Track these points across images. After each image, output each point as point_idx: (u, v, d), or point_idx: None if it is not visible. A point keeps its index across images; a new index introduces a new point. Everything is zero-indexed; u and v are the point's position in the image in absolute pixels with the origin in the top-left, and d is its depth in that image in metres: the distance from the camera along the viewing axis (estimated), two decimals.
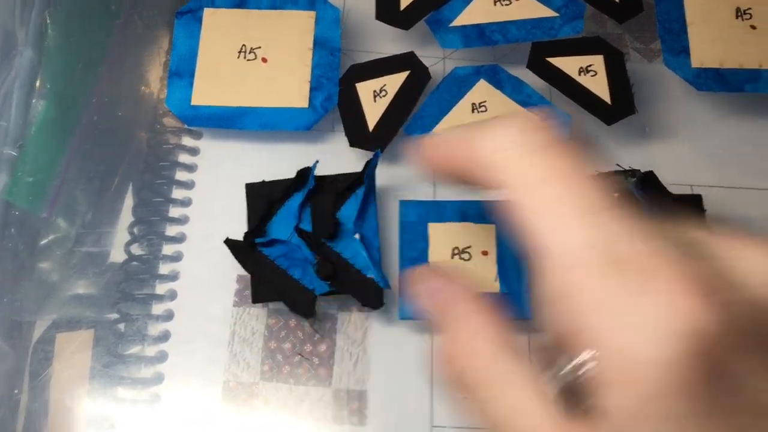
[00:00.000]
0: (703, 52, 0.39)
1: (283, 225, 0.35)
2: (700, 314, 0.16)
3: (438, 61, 0.41)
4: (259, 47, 0.39)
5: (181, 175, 0.37)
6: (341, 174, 0.36)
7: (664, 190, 0.35)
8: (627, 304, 0.17)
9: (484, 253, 0.35)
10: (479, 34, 0.39)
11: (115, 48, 0.41)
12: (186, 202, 0.37)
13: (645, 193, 0.35)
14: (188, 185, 0.37)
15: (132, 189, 0.37)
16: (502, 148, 0.20)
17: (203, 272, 0.35)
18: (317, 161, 0.36)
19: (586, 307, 0.17)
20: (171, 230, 0.36)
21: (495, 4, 0.40)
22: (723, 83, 0.39)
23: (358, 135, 0.38)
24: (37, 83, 0.38)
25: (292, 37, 0.39)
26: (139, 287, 0.35)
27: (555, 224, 0.18)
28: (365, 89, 0.38)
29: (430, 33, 0.40)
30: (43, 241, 0.37)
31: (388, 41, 0.41)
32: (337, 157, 0.38)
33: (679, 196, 0.35)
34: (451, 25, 0.40)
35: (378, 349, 0.34)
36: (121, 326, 0.34)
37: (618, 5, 0.40)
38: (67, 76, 0.39)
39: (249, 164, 0.38)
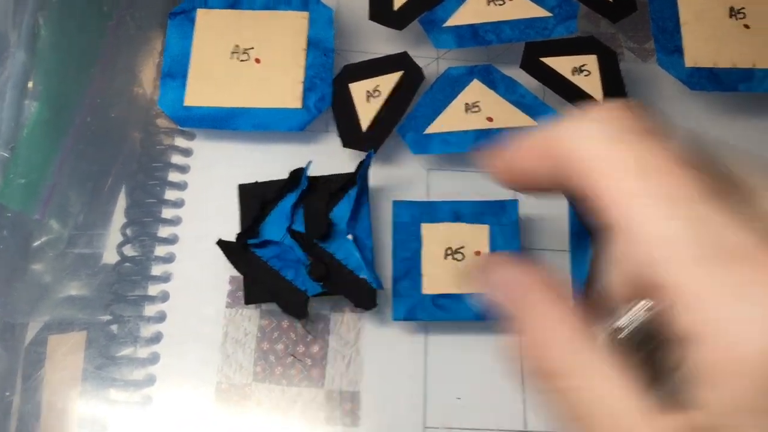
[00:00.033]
0: (697, 52, 0.39)
1: (276, 226, 0.35)
2: None
3: (432, 61, 0.41)
4: (252, 48, 0.39)
5: (173, 176, 0.37)
6: (334, 174, 0.36)
7: None
8: (736, 295, 0.16)
9: (477, 253, 0.35)
10: (473, 34, 0.39)
11: (107, 49, 0.41)
12: (179, 203, 0.37)
13: None
14: (181, 186, 0.37)
15: (125, 190, 0.37)
16: (587, 137, 0.18)
17: (196, 273, 0.35)
18: (310, 162, 0.36)
19: (691, 301, 0.17)
20: (163, 231, 0.36)
21: (488, 4, 0.40)
22: (716, 83, 0.39)
23: (351, 135, 0.38)
24: (30, 85, 0.38)
25: (285, 38, 0.39)
26: (132, 289, 0.35)
27: (653, 215, 0.17)
28: (358, 89, 0.38)
29: (424, 33, 0.40)
30: (36, 243, 0.37)
31: (381, 41, 0.41)
32: (330, 157, 0.38)
33: None
34: (444, 25, 0.40)
35: (371, 350, 0.34)
36: (114, 328, 0.34)
37: (611, 5, 0.40)
38: (60, 77, 0.39)
39: (242, 165, 0.38)
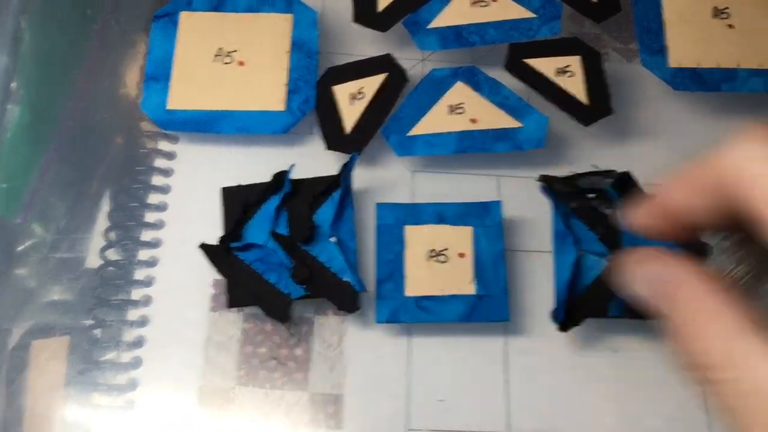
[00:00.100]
0: (681, 52, 0.39)
1: (259, 229, 0.35)
2: None
3: (417, 63, 0.41)
4: (236, 50, 0.39)
5: (157, 180, 0.37)
6: (318, 177, 0.36)
7: (640, 190, 0.35)
8: None
9: (461, 255, 0.35)
10: (457, 36, 0.39)
11: (91, 53, 0.40)
12: (162, 207, 0.37)
13: (621, 193, 0.35)
14: (164, 190, 0.37)
15: (109, 194, 0.37)
16: (757, 158, 0.17)
17: (179, 277, 0.35)
18: (293, 165, 0.35)
19: None
20: (146, 235, 0.36)
21: (472, 6, 0.40)
22: (700, 82, 0.39)
23: (335, 138, 0.37)
24: (12, 88, 0.37)
25: (269, 40, 0.39)
26: (115, 293, 0.35)
27: None
28: (342, 92, 0.38)
29: (409, 35, 0.40)
30: (20, 248, 0.37)
31: (366, 43, 0.41)
32: (315, 160, 0.38)
33: None
34: (428, 26, 0.40)
35: (354, 352, 0.34)
36: (96, 332, 0.34)
37: (595, 5, 0.40)
38: (43, 81, 0.39)
39: (226, 168, 0.37)
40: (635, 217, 0.21)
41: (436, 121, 0.38)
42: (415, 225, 0.36)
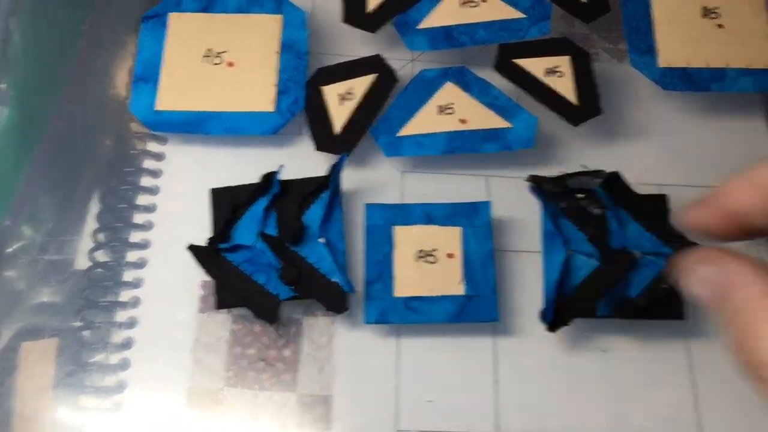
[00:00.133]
0: (670, 52, 0.39)
1: (248, 230, 0.35)
2: None
3: (407, 63, 0.41)
4: (225, 51, 0.39)
5: (146, 181, 0.37)
6: (306, 178, 0.36)
7: (629, 190, 0.35)
8: None
9: (450, 255, 0.35)
10: (446, 36, 0.39)
11: (81, 54, 0.40)
12: (151, 208, 0.37)
13: (610, 193, 0.35)
14: (153, 191, 0.37)
15: (98, 195, 0.37)
16: None
17: (167, 278, 0.35)
18: (282, 166, 0.35)
19: None
20: (135, 236, 0.36)
21: (462, 6, 0.40)
22: (689, 82, 0.39)
23: (324, 138, 0.37)
24: (1, 89, 0.37)
25: (258, 41, 0.39)
26: (103, 294, 0.35)
27: None
28: (331, 92, 0.38)
29: (398, 35, 0.40)
30: (9, 250, 0.37)
31: (356, 44, 0.41)
32: (304, 160, 0.38)
33: (645, 196, 0.35)
34: (418, 27, 0.40)
35: (343, 353, 0.34)
36: (85, 334, 0.34)
37: (584, 5, 0.40)
38: (32, 82, 0.39)
39: (215, 169, 0.37)
40: (694, 217, 0.21)
41: (425, 121, 0.38)
42: (404, 225, 0.36)
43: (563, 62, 0.39)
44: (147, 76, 0.38)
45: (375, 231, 0.35)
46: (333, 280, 0.34)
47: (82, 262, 0.36)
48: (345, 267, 0.35)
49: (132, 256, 0.35)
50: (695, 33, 0.40)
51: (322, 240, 0.35)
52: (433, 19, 0.40)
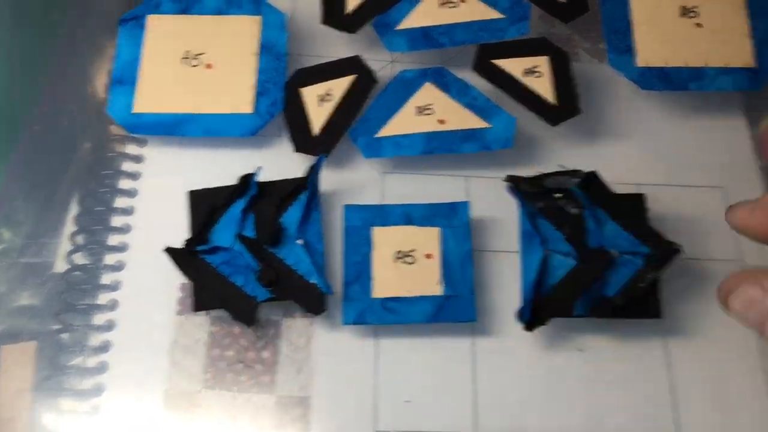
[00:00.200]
0: (649, 51, 0.39)
1: (226, 232, 0.35)
2: None
3: (387, 64, 0.41)
4: (204, 53, 0.38)
5: (124, 184, 0.37)
6: (285, 179, 0.36)
7: (606, 189, 0.35)
8: None
9: (428, 255, 0.35)
10: (425, 37, 0.39)
11: (59, 57, 0.40)
12: (129, 211, 0.37)
13: (587, 193, 0.35)
14: (131, 193, 0.37)
15: (76, 198, 0.37)
16: None
17: (145, 281, 0.35)
18: (260, 167, 0.35)
19: None
20: (113, 239, 0.36)
21: (441, 7, 0.40)
22: (667, 82, 0.39)
23: (302, 140, 0.37)
24: None
25: (237, 43, 0.39)
26: (81, 297, 0.35)
27: None
28: (310, 93, 0.38)
29: (378, 36, 0.40)
30: None
31: (336, 45, 0.41)
32: (284, 162, 0.38)
33: (622, 196, 0.35)
34: (397, 28, 0.40)
35: (322, 354, 0.34)
36: (63, 337, 0.34)
37: (563, 5, 0.40)
38: (10, 85, 0.39)
39: (194, 171, 0.37)
40: (742, 218, 0.21)
41: (404, 122, 0.38)
42: (383, 226, 0.36)
43: (542, 62, 0.39)
44: (125, 79, 0.38)
45: (353, 232, 0.35)
46: (311, 281, 0.34)
47: (61, 265, 0.36)
48: (323, 268, 0.35)
49: (110, 258, 0.35)
50: (674, 32, 0.40)
51: (300, 241, 0.35)
52: (413, 20, 0.40)
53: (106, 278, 0.35)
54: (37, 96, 0.39)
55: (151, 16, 0.39)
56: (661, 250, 0.33)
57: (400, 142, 0.37)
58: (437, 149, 0.37)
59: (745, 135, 0.41)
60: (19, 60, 0.39)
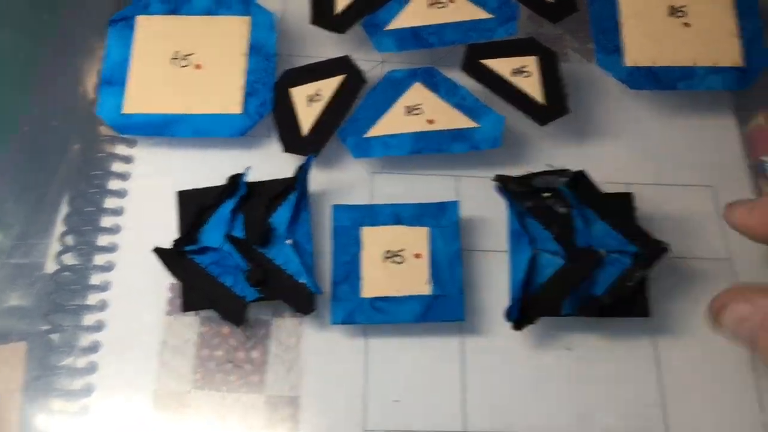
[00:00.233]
0: (637, 51, 0.39)
1: (215, 232, 0.35)
2: None
3: (376, 64, 0.42)
4: (193, 54, 0.39)
5: (114, 184, 0.37)
6: (274, 180, 0.36)
7: (594, 188, 0.35)
8: None
9: (417, 255, 0.35)
10: (415, 37, 0.40)
11: (49, 57, 0.40)
12: (118, 211, 0.37)
13: (575, 192, 0.35)
14: (121, 194, 0.37)
15: (66, 199, 0.37)
16: None
17: (135, 281, 0.35)
18: (249, 167, 0.35)
19: None
20: (103, 240, 0.36)
21: (430, 7, 0.40)
22: (656, 81, 0.39)
23: (291, 140, 0.38)
24: None
25: (226, 43, 0.39)
26: (71, 298, 0.35)
27: None
28: (299, 94, 0.38)
29: (367, 37, 0.40)
30: None
31: (326, 45, 0.41)
32: (274, 162, 0.38)
33: (610, 195, 0.36)
34: (386, 28, 0.40)
35: (311, 354, 0.34)
36: (52, 338, 0.34)
37: (551, 5, 0.41)
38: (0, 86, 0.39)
39: (184, 172, 0.37)
40: (741, 217, 0.21)
41: (393, 122, 0.38)
42: (372, 226, 0.36)
43: (530, 62, 0.39)
44: (114, 80, 0.38)
45: (342, 232, 0.35)
46: (300, 281, 0.34)
47: (50, 266, 0.36)
48: (312, 268, 0.35)
49: (99, 259, 0.35)
50: (662, 32, 0.40)
51: (289, 242, 0.35)
52: (402, 20, 0.40)
53: (96, 279, 0.35)
54: (27, 97, 0.39)
55: (141, 16, 0.39)
56: (649, 249, 0.33)
57: (388, 142, 0.37)
58: (426, 149, 0.37)
59: (734, 134, 0.41)
60: (9, 61, 0.39)
